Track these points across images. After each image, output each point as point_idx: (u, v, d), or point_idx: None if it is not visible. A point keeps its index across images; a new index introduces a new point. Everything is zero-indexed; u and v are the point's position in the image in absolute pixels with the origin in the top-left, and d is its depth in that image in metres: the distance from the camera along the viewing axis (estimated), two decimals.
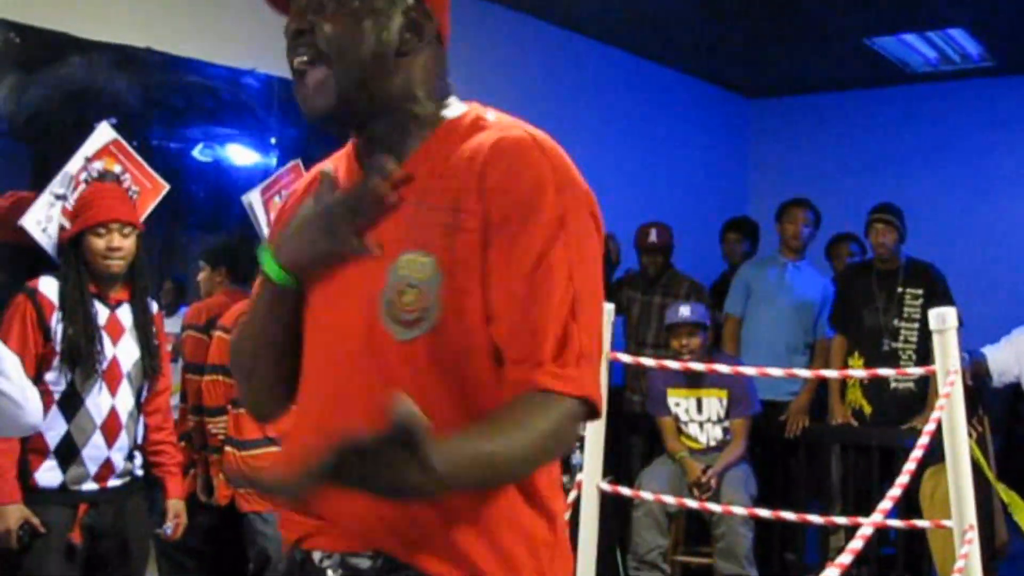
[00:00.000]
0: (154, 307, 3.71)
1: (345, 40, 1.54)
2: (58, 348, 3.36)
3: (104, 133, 4.21)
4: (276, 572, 4.13)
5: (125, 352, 3.52)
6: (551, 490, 1.59)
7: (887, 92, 8.49)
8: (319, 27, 1.54)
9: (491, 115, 1.61)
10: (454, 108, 1.64)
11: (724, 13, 6.75)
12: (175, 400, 4.75)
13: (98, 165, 4.20)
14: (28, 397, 2.67)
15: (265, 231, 4.96)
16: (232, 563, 4.39)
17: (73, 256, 3.49)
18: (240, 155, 5.09)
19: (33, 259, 3.75)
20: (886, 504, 2.51)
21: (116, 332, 3.51)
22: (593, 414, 1.49)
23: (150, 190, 4.33)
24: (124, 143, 4.26)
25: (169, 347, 4.87)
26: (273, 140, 5.13)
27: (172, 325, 4.91)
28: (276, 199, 4.97)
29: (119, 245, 3.48)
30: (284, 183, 5.00)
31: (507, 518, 1.53)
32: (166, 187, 4.34)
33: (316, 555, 1.59)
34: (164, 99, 4.72)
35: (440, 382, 1.50)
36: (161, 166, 4.50)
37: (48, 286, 3.43)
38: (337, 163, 1.70)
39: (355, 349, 1.55)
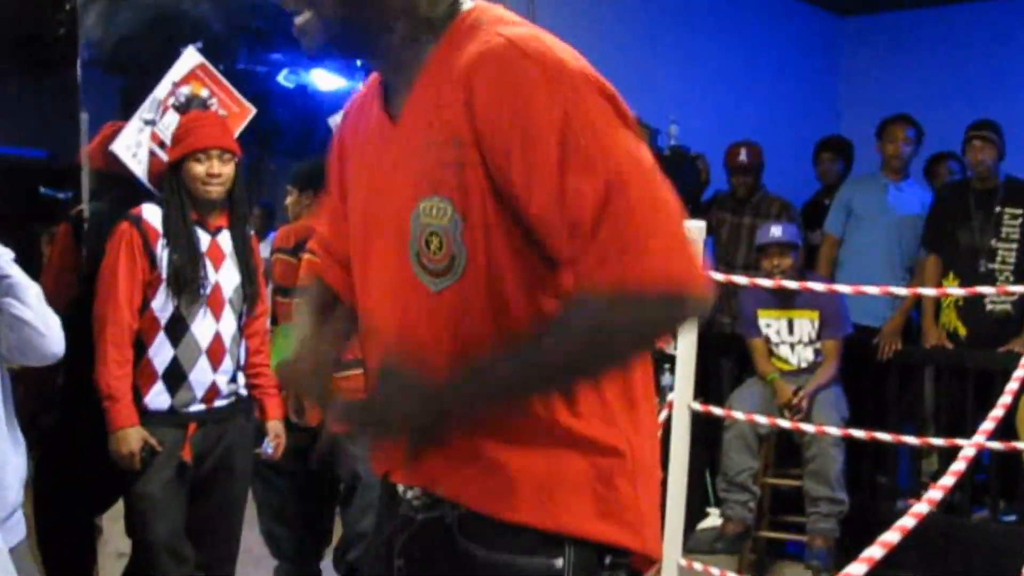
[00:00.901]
0: (250, 233, 3.78)
1: None
2: (163, 275, 3.45)
3: (191, 58, 4.22)
4: (366, 491, 4.17)
5: (227, 278, 3.60)
6: (607, 418, 1.52)
7: (984, 6, 8.20)
8: None
9: (485, 15, 1.51)
10: (461, 7, 1.54)
11: None
12: (268, 322, 4.81)
13: (185, 90, 4.22)
14: (51, 326, 2.72)
15: None
16: (324, 483, 4.44)
17: (175, 183, 3.56)
18: (325, 79, 5.08)
19: (127, 186, 3.81)
20: (987, 426, 2.44)
21: (218, 258, 3.59)
22: (666, 296, 1.36)
23: (237, 114, 4.35)
24: (210, 67, 4.28)
25: (261, 270, 4.94)
26: (358, 62, 5.10)
27: (262, 250, 4.94)
28: None
29: (219, 171, 3.54)
30: None
31: (549, 453, 1.49)
32: (253, 111, 4.35)
33: (400, 487, 1.62)
34: (249, 23, 4.71)
35: (481, 323, 1.47)
36: (247, 90, 4.51)
37: (152, 213, 3.52)
38: (370, 90, 1.66)
39: (400, 302, 1.54)
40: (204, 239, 3.58)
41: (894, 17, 8.75)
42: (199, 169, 3.53)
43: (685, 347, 3.41)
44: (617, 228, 1.35)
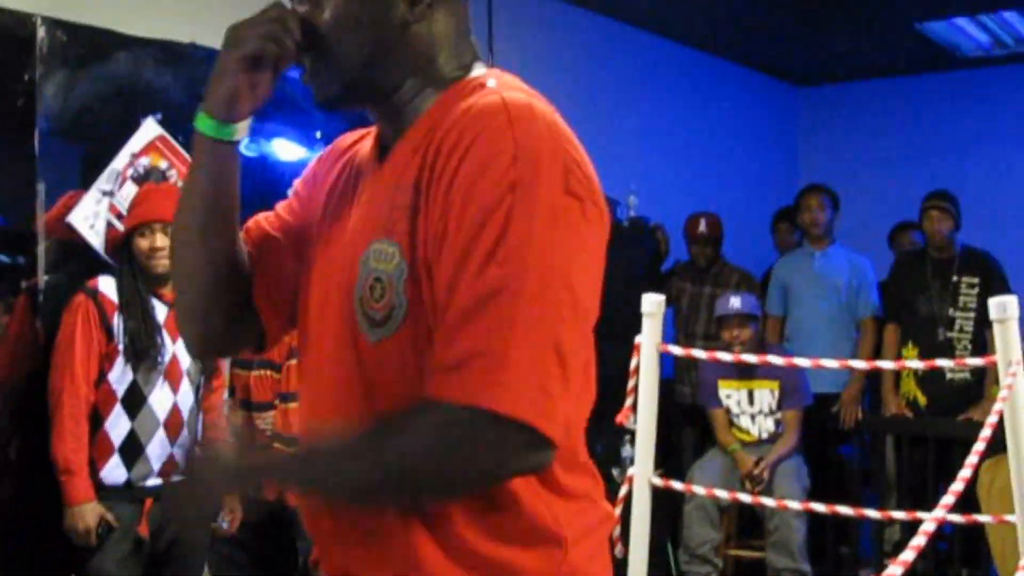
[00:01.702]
0: None
1: (346, 24, 1.41)
2: (120, 346, 3.44)
3: (150, 129, 4.22)
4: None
5: (184, 350, 3.54)
6: (559, 516, 1.39)
7: (938, 77, 8.34)
8: (316, 16, 1.43)
9: (494, 81, 1.43)
10: (473, 71, 1.48)
11: (772, 0, 6.65)
12: (224, 395, 4.77)
13: (144, 161, 4.21)
14: None
15: None
16: (281, 557, 4.38)
17: (126, 256, 3.58)
18: (285, 150, 5.07)
19: (85, 258, 3.79)
20: (948, 499, 2.44)
21: (175, 330, 3.55)
22: (524, 433, 1.24)
23: None
24: (170, 138, 4.27)
25: None
26: (318, 134, 5.10)
27: None
28: None
29: (161, 245, 3.52)
30: None
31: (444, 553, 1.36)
32: None
33: None
34: None
35: (411, 384, 1.34)
36: None
37: (108, 285, 3.52)
38: (365, 140, 1.58)
39: (339, 352, 1.43)
40: (161, 310, 3.57)
41: (851, 87, 8.87)
42: (143, 243, 3.56)
43: (645, 420, 3.39)
44: (490, 341, 1.24)
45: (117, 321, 3.47)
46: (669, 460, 5.54)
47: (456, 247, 1.28)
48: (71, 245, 3.93)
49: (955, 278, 5.51)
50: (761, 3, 6.73)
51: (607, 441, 5.34)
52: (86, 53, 4.18)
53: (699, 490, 4.23)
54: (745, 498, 4.44)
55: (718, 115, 8.11)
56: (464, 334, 1.25)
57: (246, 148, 4.96)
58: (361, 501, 1.39)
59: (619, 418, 3.38)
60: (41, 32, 4.00)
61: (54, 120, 4.08)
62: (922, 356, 5.34)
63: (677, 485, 3.85)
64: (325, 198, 1.57)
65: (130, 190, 4.19)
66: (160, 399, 3.52)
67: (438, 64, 1.46)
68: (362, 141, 1.58)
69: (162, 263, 3.53)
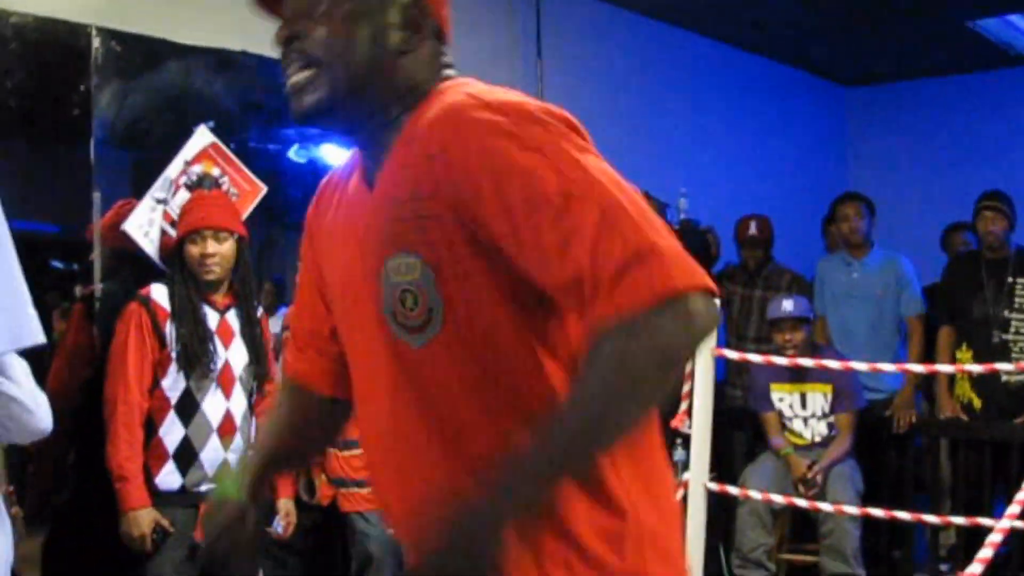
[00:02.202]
0: (259, 311, 3.78)
1: (339, 45, 1.47)
2: (173, 353, 3.46)
3: (203, 137, 4.25)
4: (378, 571, 4.13)
5: (236, 356, 3.61)
6: (624, 480, 1.45)
7: (991, 76, 8.24)
8: (311, 33, 1.47)
9: (458, 81, 1.50)
10: (443, 78, 1.54)
11: (821, 1, 6.60)
12: None
13: (197, 169, 4.24)
14: (39, 403, 2.68)
15: None
16: (334, 563, 4.40)
17: (179, 264, 3.59)
18: (337, 155, 5.10)
19: (139, 265, 3.82)
20: (1015, 509, 2.41)
21: (227, 336, 3.60)
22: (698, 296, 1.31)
23: (248, 192, 4.36)
24: (222, 146, 4.30)
25: (271, 347, 4.93)
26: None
27: (273, 325, 4.94)
28: None
29: (214, 251, 3.56)
30: None
31: (556, 521, 1.42)
32: (264, 189, 4.36)
33: None
34: (260, 101, 4.75)
35: (468, 374, 1.44)
36: (259, 167, 4.53)
37: (160, 293, 3.54)
38: (351, 178, 1.63)
39: (385, 366, 1.50)
40: (213, 317, 3.59)
41: (902, 87, 8.79)
42: (194, 250, 3.57)
43: (700, 425, 3.38)
44: (625, 244, 1.30)
45: (169, 329, 3.49)
46: (720, 464, 5.51)
47: (519, 220, 1.34)
48: (125, 253, 3.96)
49: (1010, 279, 5.43)
50: (810, 3, 6.69)
51: None
52: (140, 62, 4.23)
53: (755, 494, 4.20)
54: (802, 502, 4.40)
55: (768, 117, 8.07)
56: (606, 254, 1.30)
57: (296, 154, 5.01)
58: (590, 460, 1.40)
59: (674, 423, 3.37)
60: (96, 42, 4.06)
61: (108, 129, 4.13)
62: (977, 359, 5.28)
63: (732, 490, 3.83)
64: (328, 242, 1.65)
65: (183, 198, 4.22)
66: (213, 405, 3.53)
67: (413, 96, 1.50)
68: (347, 180, 1.63)
69: (214, 270, 3.57)
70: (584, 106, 6.20)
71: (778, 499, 4.26)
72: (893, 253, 5.98)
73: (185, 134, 4.28)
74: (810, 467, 5.12)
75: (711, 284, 1.34)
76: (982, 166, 7.86)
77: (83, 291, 4.03)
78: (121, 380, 3.43)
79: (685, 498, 3.46)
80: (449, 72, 1.55)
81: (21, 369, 2.68)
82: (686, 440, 3.63)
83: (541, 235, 1.33)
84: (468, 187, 1.36)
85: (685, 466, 3.69)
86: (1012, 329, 5.39)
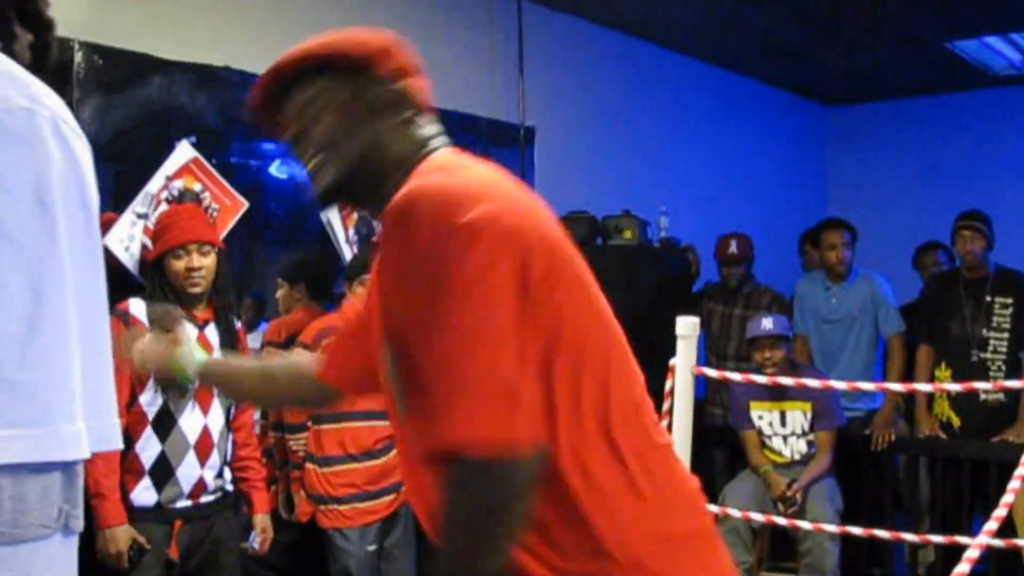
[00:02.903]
0: (237, 325, 3.76)
1: (333, 136, 1.67)
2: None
3: (184, 152, 4.25)
4: None
5: None
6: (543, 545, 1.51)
7: (969, 96, 8.33)
8: (306, 133, 1.69)
9: (430, 165, 1.66)
10: (430, 151, 1.71)
11: (801, 19, 6.66)
12: (256, 415, 4.78)
13: (179, 184, 4.24)
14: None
15: (344, 247, 4.97)
16: None
17: (157, 278, 3.56)
18: None
19: (118, 279, 3.79)
20: (991, 525, 2.42)
21: (206, 351, 3.52)
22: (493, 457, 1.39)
23: (230, 207, 4.36)
24: (204, 161, 4.30)
25: None
26: None
27: (252, 341, 4.93)
28: (354, 215, 4.98)
29: (199, 265, 3.54)
30: None
31: None
32: (245, 204, 4.37)
33: None
34: (242, 116, 4.74)
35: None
36: (240, 183, 4.53)
37: (138, 308, 3.49)
38: None
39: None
40: (192, 332, 3.55)
41: (881, 106, 8.86)
42: (179, 265, 3.53)
43: (680, 443, 3.39)
44: (452, 383, 1.41)
45: None
46: (702, 481, 5.51)
47: (406, 342, 1.54)
48: (105, 267, 3.94)
49: (988, 298, 5.46)
50: (790, 23, 6.74)
51: None
52: (122, 77, 4.22)
53: (734, 512, 4.21)
54: (781, 520, 4.41)
55: (748, 135, 8.12)
56: (432, 401, 1.45)
57: (277, 170, 5.01)
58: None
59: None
60: (78, 57, 4.06)
61: (90, 143, 4.11)
62: (956, 377, 5.31)
63: (712, 508, 3.83)
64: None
65: None
66: (190, 422, 3.50)
67: (403, 164, 1.68)
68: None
69: (199, 283, 3.54)
70: (565, 124, 6.26)
71: (758, 517, 4.27)
72: (869, 272, 6.00)
73: (167, 149, 4.28)
74: (790, 485, 5.14)
75: (522, 445, 1.41)
76: (960, 185, 7.92)
77: None
78: None
79: None
80: (435, 141, 1.72)
81: None
82: None
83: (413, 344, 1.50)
84: (382, 288, 1.59)
85: None
86: (990, 348, 5.42)
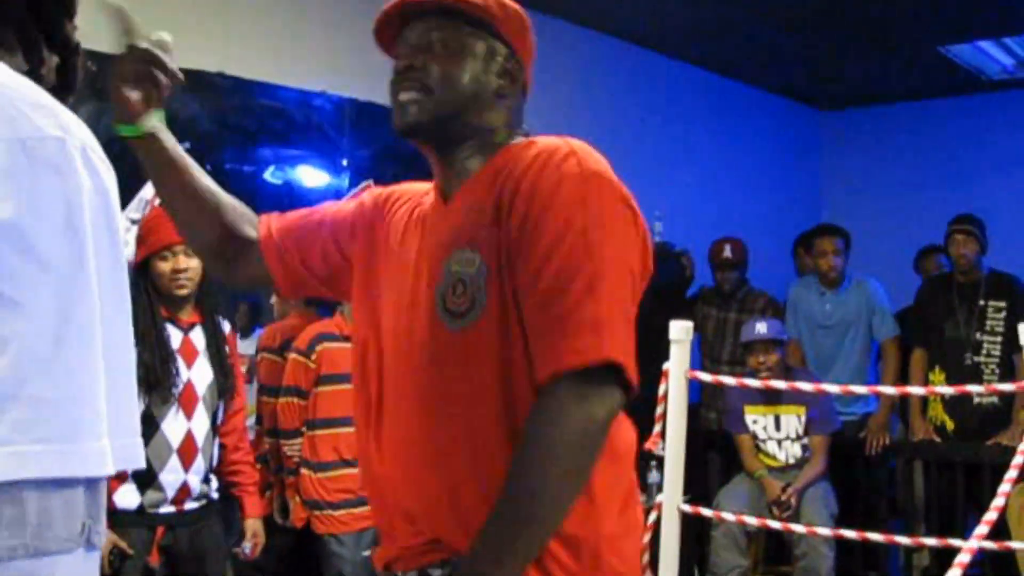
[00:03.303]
0: (226, 327, 3.71)
1: (451, 77, 1.73)
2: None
3: None
4: None
5: (199, 375, 3.52)
6: (580, 514, 1.62)
7: (963, 101, 8.34)
8: (428, 65, 1.73)
9: (540, 141, 1.74)
10: (515, 137, 1.80)
11: (794, 24, 6.67)
12: (250, 421, 4.78)
13: None
14: None
15: None
16: None
17: (142, 282, 3.49)
18: (312, 177, 5.11)
19: None
20: (982, 529, 2.43)
21: (190, 355, 3.52)
22: (623, 382, 1.56)
23: None
24: None
25: (244, 368, 4.91)
26: (345, 161, 5.14)
27: (247, 347, 4.93)
28: None
29: (185, 266, 3.49)
30: None
31: None
32: None
33: (399, 574, 1.76)
34: (237, 122, 4.76)
35: (485, 367, 1.63)
36: (234, 188, 4.50)
37: None
38: (427, 195, 1.87)
39: (418, 343, 1.70)
40: (176, 336, 3.51)
41: (875, 111, 8.87)
42: (165, 267, 3.49)
43: (673, 447, 3.39)
44: (595, 311, 1.56)
45: None
46: (695, 486, 5.52)
47: (541, 251, 1.60)
48: None
49: (982, 302, 5.48)
50: (784, 28, 6.75)
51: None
52: None
53: (729, 516, 4.22)
54: (775, 524, 4.42)
55: (742, 140, 8.12)
56: (580, 311, 1.56)
57: (271, 175, 5.02)
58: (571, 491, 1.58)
59: (647, 444, 3.38)
60: None
61: None
62: (949, 381, 5.32)
63: (706, 512, 3.84)
64: (389, 227, 1.88)
65: None
66: (173, 426, 3.42)
67: (495, 135, 1.79)
68: (423, 196, 1.88)
69: (186, 284, 3.50)
70: (559, 128, 6.23)
71: (752, 521, 4.27)
72: (862, 277, 6.01)
73: None
74: (784, 489, 5.15)
75: (628, 364, 1.57)
76: (954, 189, 7.94)
77: None
78: None
79: (659, 520, 3.46)
80: (523, 127, 1.83)
81: None
82: (660, 462, 3.64)
83: (540, 269, 1.60)
84: (527, 207, 1.63)
85: (659, 488, 3.69)
86: (984, 351, 5.43)
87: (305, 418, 4.29)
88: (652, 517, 3.45)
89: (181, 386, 3.45)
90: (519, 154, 1.71)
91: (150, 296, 3.48)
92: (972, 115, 8.32)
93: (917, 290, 6.02)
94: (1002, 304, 5.43)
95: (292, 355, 4.34)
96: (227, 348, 3.66)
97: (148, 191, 4.14)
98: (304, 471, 4.26)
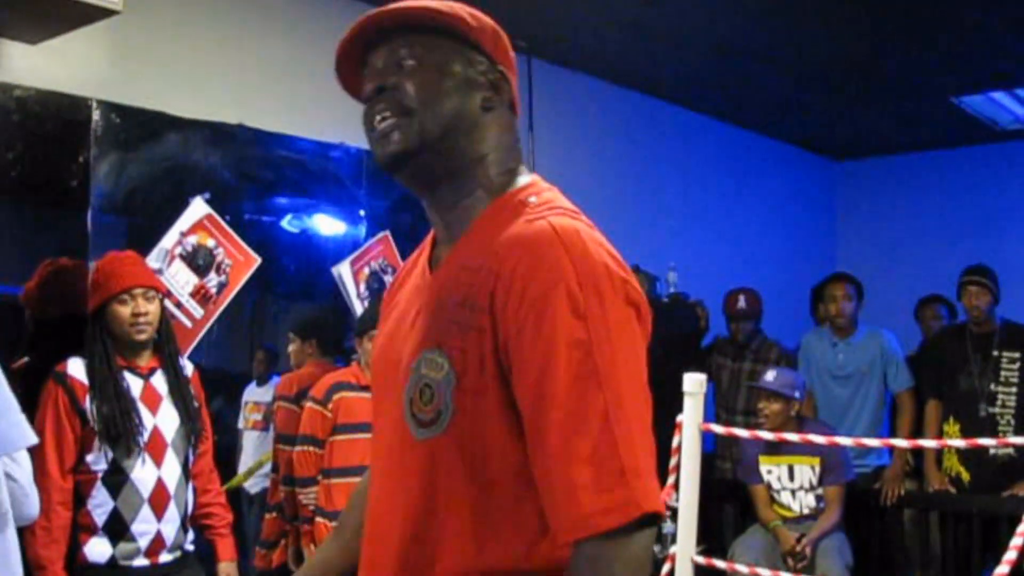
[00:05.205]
0: (188, 369, 3.60)
1: (430, 94, 1.54)
2: (96, 427, 3.25)
3: (198, 208, 4.32)
4: None
5: (166, 420, 3.40)
6: None
7: (976, 151, 8.38)
8: (401, 84, 1.54)
9: (535, 198, 1.56)
10: (518, 179, 1.61)
11: (810, 76, 6.73)
12: (266, 469, 4.80)
13: (192, 239, 4.30)
14: (32, 490, 2.68)
15: (355, 302, 5.02)
16: None
17: (97, 330, 3.37)
18: (330, 227, 5.16)
19: (63, 334, 3.62)
20: (1004, 569, 2.43)
21: (153, 401, 3.40)
22: (654, 520, 1.39)
23: (242, 263, 4.42)
24: (217, 217, 4.37)
25: (260, 416, 4.94)
26: (362, 212, 5.19)
27: (264, 394, 4.97)
28: (365, 270, 5.03)
29: (144, 310, 3.37)
30: (373, 254, 5.07)
31: None
32: (258, 260, 4.43)
33: None
34: (256, 173, 4.81)
35: (458, 481, 1.47)
36: (253, 239, 4.60)
37: (76, 367, 3.32)
38: (419, 253, 1.71)
39: (392, 446, 1.56)
40: (136, 384, 3.38)
41: (889, 161, 8.91)
42: (124, 311, 3.35)
43: (687, 499, 3.40)
44: (621, 457, 1.37)
45: (89, 404, 3.27)
46: (709, 536, 5.51)
47: (539, 375, 1.39)
48: (48, 321, 3.82)
49: (995, 353, 5.47)
50: (798, 79, 6.81)
51: None
52: (138, 134, 4.29)
53: (742, 568, 4.21)
54: None
55: (756, 190, 8.16)
56: (598, 457, 1.36)
57: (289, 224, 5.07)
58: None
59: (661, 495, 3.39)
60: (96, 115, 4.12)
61: (106, 199, 4.18)
62: (964, 432, 5.31)
63: (720, 563, 3.84)
64: (389, 315, 1.71)
65: (178, 268, 4.28)
66: (143, 476, 3.29)
67: (488, 162, 1.59)
68: (416, 259, 1.71)
69: (145, 329, 3.38)
70: (575, 179, 6.30)
71: (766, 573, 4.26)
72: (876, 328, 6.01)
73: (181, 205, 4.34)
74: (799, 540, 5.13)
75: (662, 508, 1.41)
76: (968, 239, 7.96)
77: (12, 365, 3.66)
78: (38, 466, 2.94)
79: (672, 571, 3.46)
80: (519, 156, 1.64)
81: (23, 456, 2.70)
82: (674, 513, 3.65)
83: (545, 406, 1.39)
84: (514, 323, 1.41)
85: (673, 539, 3.70)
86: (999, 402, 5.42)
87: (321, 467, 4.31)
88: (666, 568, 3.46)
89: (147, 434, 3.33)
90: (509, 224, 1.50)
91: (106, 344, 3.36)
92: (986, 165, 8.35)
93: (926, 340, 6.02)
94: (1016, 355, 5.42)
95: (309, 404, 4.37)
96: (192, 390, 3.54)
97: (169, 241, 4.20)
98: (319, 519, 4.28)
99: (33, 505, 2.73)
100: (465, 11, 1.58)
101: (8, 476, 2.62)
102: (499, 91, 1.60)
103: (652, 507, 1.37)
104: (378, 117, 1.55)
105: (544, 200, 1.55)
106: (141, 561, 3.29)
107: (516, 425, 1.44)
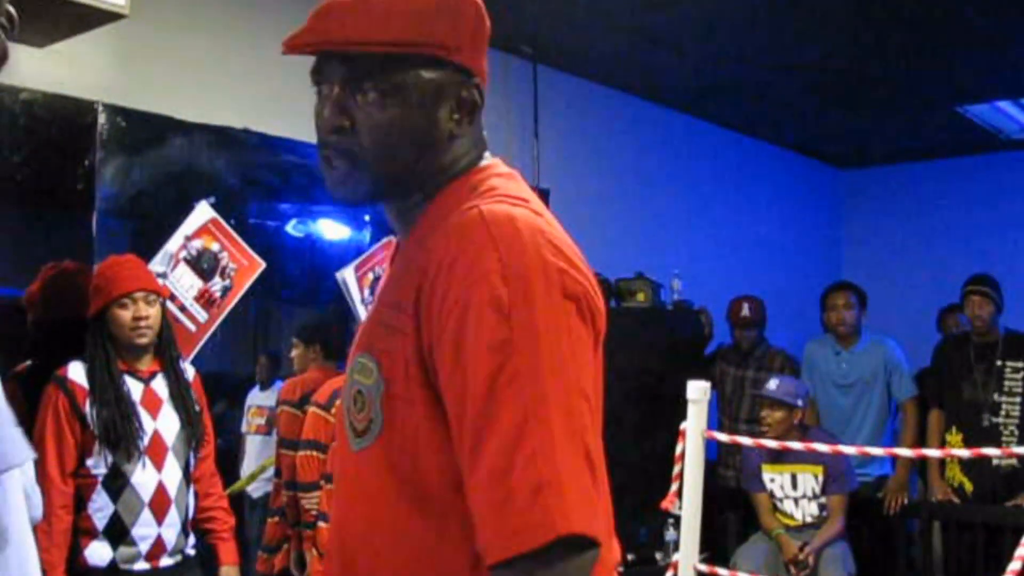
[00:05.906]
0: (190, 373, 3.60)
1: (386, 144, 1.41)
2: (96, 432, 3.25)
3: (203, 212, 4.32)
4: None
5: (166, 424, 3.40)
6: None
7: (981, 160, 8.37)
8: (356, 130, 1.41)
9: (484, 181, 1.45)
10: (473, 167, 1.49)
11: (815, 84, 6.72)
12: (269, 474, 4.80)
13: (197, 243, 4.30)
14: (35, 492, 2.69)
15: (359, 307, 5.02)
16: None
17: (98, 334, 3.37)
18: (334, 232, 5.17)
19: (64, 337, 3.54)
20: None
21: (154, 405, 3.39)
22: (587, 543, 1.22)
23: (247, 267, 4.42)
24: (222, 221, 4.37)
25: (263, 420, 4.94)
26: (366, 217, 5.20)
27: (267, 399, 4.97)
28: (369, 275, 5.04)
29: (146, 314, 3.37)
30: (377, 260, 5.07)
31: None
32: (262, 265, 4.43)
33: None
34: (261, 178, 4.82)
35: (391, 498, 1.36)
36: (257, 243, 4.60)
37: (77, 371, 3.32)
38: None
39: (343, 456, 1.47)
40: (136, 388, 3.38)
41: (894, 169, 8.91)
42: (125, 315, 3.36)
43: (690, 507, 3.40)
44: (532, 473, 1.21)
45: (89, 409, 3.26)
46: (712, 544, 5.50)
47: (460, 380, 1.27)
48: (49, 324, 3.69)
49: (999, 362, 5.47)
50: (803, 87, 6.81)
51: (650, 525, 5.33)
52: (144, 138, 4.29)
53: None
54: None
55: (761, 198, 8.16)
56: (513, 469, 1.22)
57: (294, 229, 5.08)
58: None
59: (664, 503, 3.39)
60: (102, 118, 4.13)
61: (111, 202, 4.18)
62: (967, 442, 5.31)
63: (722, 571, 3.83)
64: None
65: (183, 272, 4.28)
66: (143, 479, 3.29)
67: (459, 164, 1.48)
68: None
69: (146, 333, 3.38)
70: (579, 186, 6.32)
71: None
72: (880, 337, 6.01)
73: (186, 209, 4.35)
74: (802, 548, 5.12)
75: (597, 530, 1.24)
76: (973, 248, 7.95)
77: (15, 369, 3.65)
78: (39, 470, 3.01)
79: None
80: (483, 147, 1.52)
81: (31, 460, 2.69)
82: (677, 521, 3.64)
83: (464, 416, 1.27)
84: (437, 325, 1.30)
85: (676, 547, 3.70)
86: (1002, 412, 5.41)
87: (323, 471, 4.31)
88: None
89: (147, 438, 3.32)
90: (439, 220, 1.38)
91: (107, 348, 3.36)
92: (992, 174, 8.35)
93: (934, 349, 6.02)
94: (1020, 365, 5.42)
95: (312, 409, 4.37)
96: (193, 394, 3.53)
97: (174, 245, 4.20)
98: (322, 524, 4.28)
99: (36, 507, 2.74)
100: (434, 6, 1.42)
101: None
102: (474, 108, 1.48)
103: (573, 528, 1.20)
104: (326, 167, 1.45)
105: (488, 187, 1.43)
106: (142, 565, 3.29)
107: (447, 441, 1.32)
